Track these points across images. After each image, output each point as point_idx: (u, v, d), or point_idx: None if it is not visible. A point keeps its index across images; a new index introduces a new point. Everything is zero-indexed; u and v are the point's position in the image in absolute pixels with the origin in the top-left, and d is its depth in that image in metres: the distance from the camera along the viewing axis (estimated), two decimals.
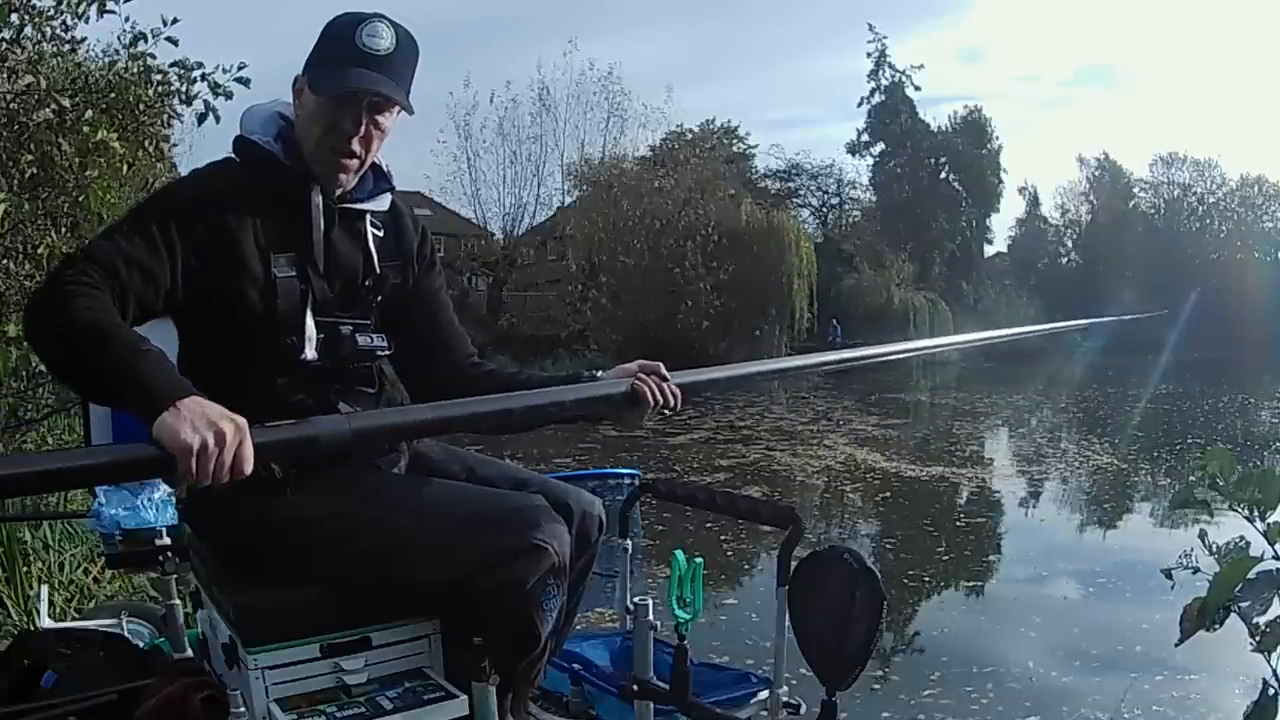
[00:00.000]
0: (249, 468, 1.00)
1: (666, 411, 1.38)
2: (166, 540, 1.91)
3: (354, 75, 1.30)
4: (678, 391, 1.40)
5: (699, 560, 1.57)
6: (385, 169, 1.45)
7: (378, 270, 1.42)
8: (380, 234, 1.44)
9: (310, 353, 1.33)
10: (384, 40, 1.31)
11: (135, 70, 3.75)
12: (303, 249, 1.34)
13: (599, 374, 1.45)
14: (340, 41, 1.31)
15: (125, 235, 1.20)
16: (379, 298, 1.42)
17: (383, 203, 1.44)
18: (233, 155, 1.39)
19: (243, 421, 1.01)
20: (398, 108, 1.35)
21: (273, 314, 1.30)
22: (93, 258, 1.17)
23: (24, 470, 0.97)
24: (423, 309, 1.51)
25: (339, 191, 1.38)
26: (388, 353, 1.42)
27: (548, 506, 1.36)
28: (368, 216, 1.42)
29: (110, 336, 1.06)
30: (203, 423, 0.98)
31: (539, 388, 1.44)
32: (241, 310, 1.29)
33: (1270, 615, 1.00)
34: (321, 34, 1.34)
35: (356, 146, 1.33)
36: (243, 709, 1.30)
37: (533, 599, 1.32)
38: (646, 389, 1.36)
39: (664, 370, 1.41)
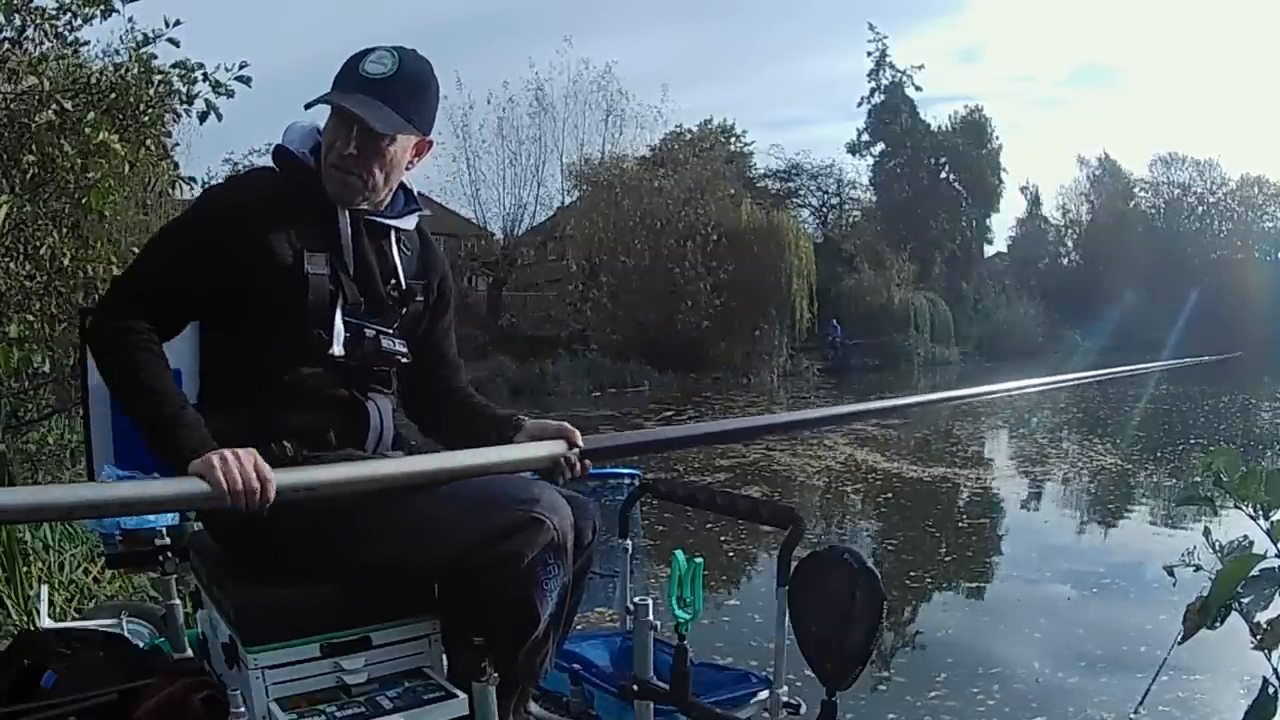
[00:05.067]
0: (271, 491, 1.17)
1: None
2: (166, 540, 1.91)
3: (335, 95, 1.38)
4: (588, 464, 1.46)
5: (699, 560, 1.57)
6: (415, 193, 1.55)
7: (404, 285, 1.50)
8: (409, 253, 1.53)
9: (338, 349, 1.40)
10: (382, 66, 1.38)
11: (137, 71, 3.75)
12: (334, 252, 1.42)
13: (524, 419, 1.53)
14: (345, 68, 1.40)
15: (160, 259, 1.38)
16: (404, 310, 1.51)
17: (408, 222, 1.52)
18: (272, 165, 1.48)
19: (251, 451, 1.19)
20: (414, 134, 1.43)
21: (303, 307, 1.37)
22: (134, 297, 1.34)
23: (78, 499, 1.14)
24: (435, 340, 1.60)
25: (359, 205, 1.45)
26: (407, 360, 1.50)
27: (548, 485, 1.38)
28: (393, 234, 1.51)
29: (155, 394, 1.26)
30: (229, 454, 1.17)
31: (479, 418, 1.56)
32: (273, 302, 1.37)
33: (1271, 613, 1.00)
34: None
35: (354, 166, 1.40)
36: (243, 709, 1.30)
37: (532, 576, 1.32)
38: (563, 467, 1.43)
39: (578, 439, 1.46)
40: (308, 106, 1.40)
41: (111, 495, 1.17)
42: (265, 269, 1.36)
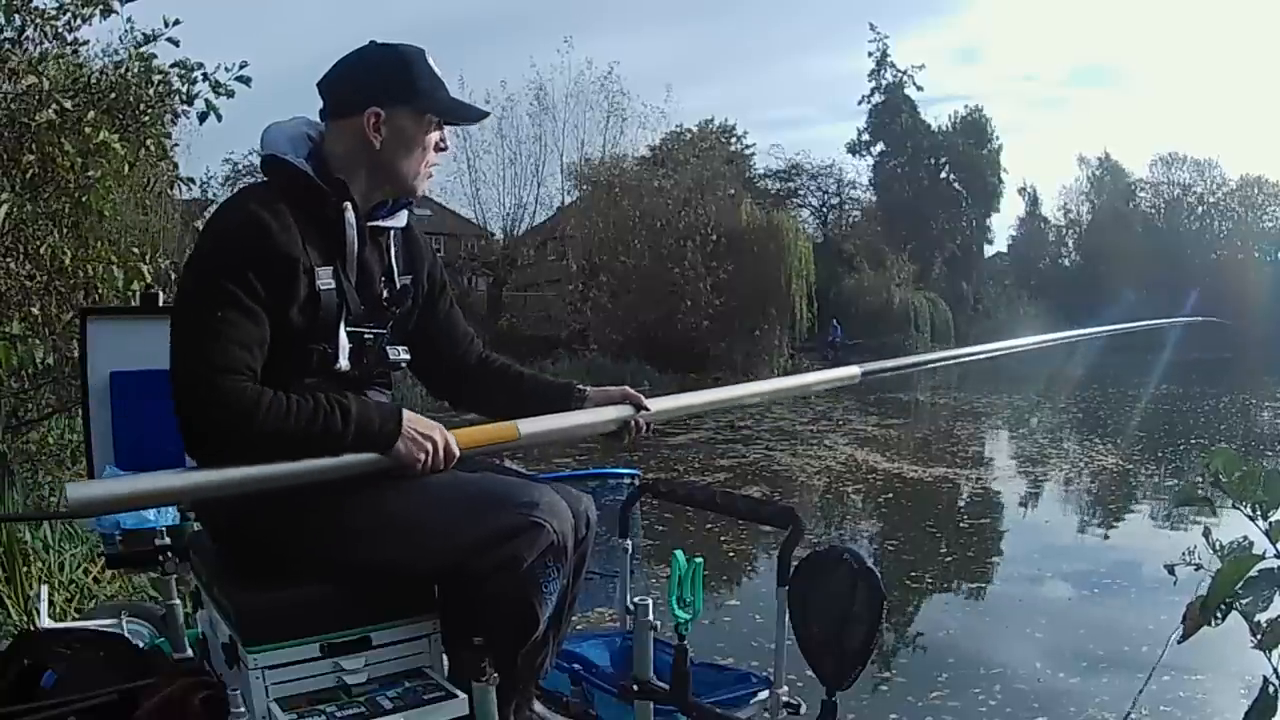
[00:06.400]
0: (457, 451, 1.33)
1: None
2: (166, 540, 1.91)
3: (471, 105, 1.48)
4: (651, 425, 1.60)
5: (699, 560, 1.57)
6: None
7: (397, 285, 1.48)
8: (396, 249, 1.51)
9: (344, 363, 1.38)
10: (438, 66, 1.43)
11: (137, 70, 3.76)
12: (339, 261, 1.39)
13: (585, 389, 1.61)
14: (427, 72, 1.40)
15: (230, 324, 1.25)
16: (397, 310, 1.49)
17: (401, 220, 1.49)
18: (262, 176, 1.43)
19: (442, 428, 1.33)
20: None
21: (313, 325, 1.35)
22: (231, 368, 1.24)
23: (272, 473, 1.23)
24: (443, 327, 1.61)
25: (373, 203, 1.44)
26: (408, 363, 1.51)
27: (546, 487, 1.38)
28: (390, 233, 1.48)
29: (321, 434, 1.26)
30: (422, 438, 1.30)
31: (535, 388, 1.62)
32: (286, 323, 1.32)
33: (1271, 613, 1.00)
34: (392, 64, 1.39)
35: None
36: (243, 709, 1.30)
37: (531, 580, 1.33)
38: (631, 429, 1.57)
39: (644, 401, 1.59)
40: (456, 119, 1.47)
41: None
42: (283, 293, 1.31)
